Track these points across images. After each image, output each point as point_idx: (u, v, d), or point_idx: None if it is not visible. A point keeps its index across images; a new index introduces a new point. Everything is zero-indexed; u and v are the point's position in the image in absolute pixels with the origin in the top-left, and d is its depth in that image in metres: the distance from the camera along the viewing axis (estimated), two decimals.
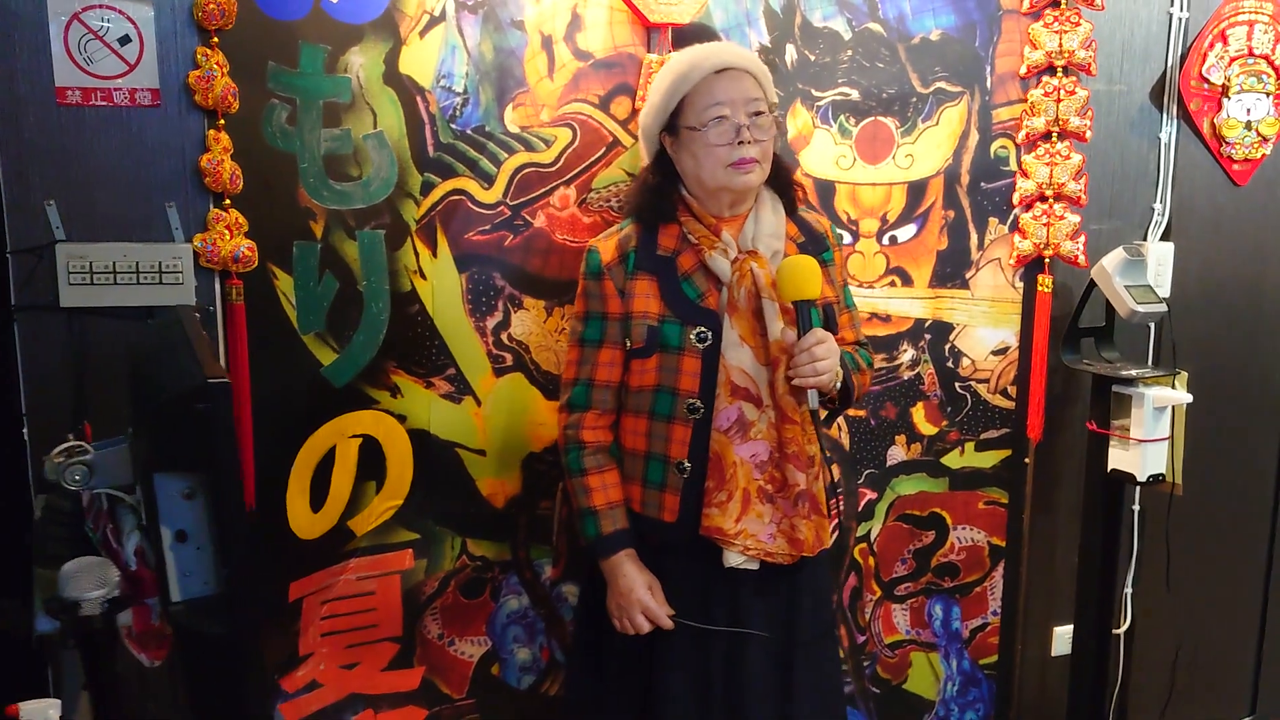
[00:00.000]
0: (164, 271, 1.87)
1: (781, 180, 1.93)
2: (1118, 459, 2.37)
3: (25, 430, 1.86)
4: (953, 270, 2.52)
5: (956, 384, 2.57)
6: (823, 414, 1.87)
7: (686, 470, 1.84)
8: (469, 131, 2.19)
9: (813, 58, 2.39)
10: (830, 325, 1.85)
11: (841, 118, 2.42)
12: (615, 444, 1.97)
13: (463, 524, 2.32)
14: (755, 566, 1.87)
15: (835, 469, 2.10)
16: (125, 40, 1.81)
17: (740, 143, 1.80)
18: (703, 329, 1.83)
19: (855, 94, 2.41)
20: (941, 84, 2.45)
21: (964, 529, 2.64)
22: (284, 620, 2.20)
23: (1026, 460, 2.60)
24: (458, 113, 2.18)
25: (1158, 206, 2.62)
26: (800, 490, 1.83)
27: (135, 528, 1.19)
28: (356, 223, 2.12)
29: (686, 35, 2.30)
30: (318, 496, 2.19)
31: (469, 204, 2.22)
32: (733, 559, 1.85)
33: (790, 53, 2.38)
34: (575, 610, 2.29)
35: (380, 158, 2.12)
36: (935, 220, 2.50)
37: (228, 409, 1.07)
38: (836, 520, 2.49)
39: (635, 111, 2.24)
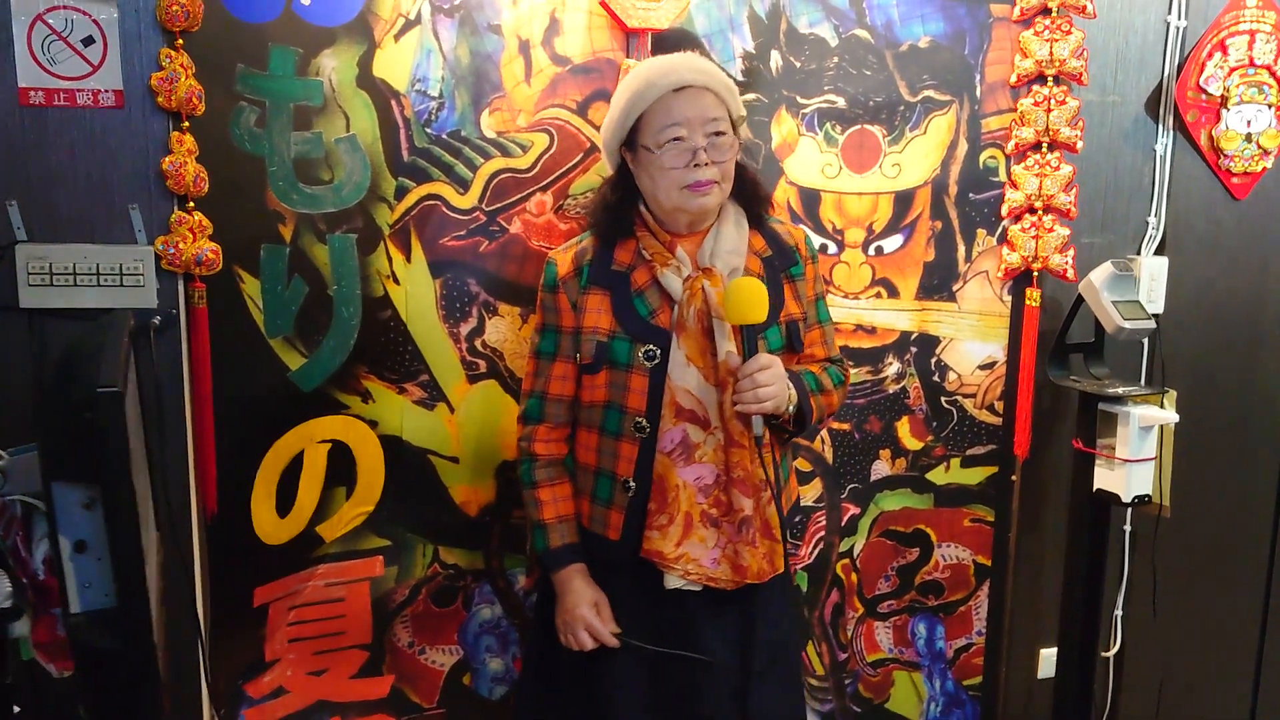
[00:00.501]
0: (125, 274, 1.86)
1: (746, 192, 1.87)
2: (1103, 479, 2.31)
3: None
4: (940, 282, 2.47)
5: (943, 398, 2.52)
6: (769, 436, 1.81)
7: (632, 489, 1.81)
8: (444, 136, 2.16)
9: (798, 64, 2.35)
10: (793, 344, 1.84)
11: (827, 125, 2.37)
12: (571, 457, 1.94)
13: (435, 532, 2.29)
14: (698, 589, 1.82)
15: (794, 491, 2.03)
16: (89, 41, 1.80)
17: (697, 165, 1.74)
18: (651, 347, 1.79)
19: (842, 101, 2.37)
20: (930, 92, 2.40)
21: (949, 546, 2.59)
22: (249, 625, 2.17)
23: (1013, 478, 2.54)
24: (433, 117, 2.15)
25: (1152, 220, 2.56)
26: (745, 516, 1.77)
27: (45, 536, 1.17)
28: (327, 226, 2.10)
29: (667, 41, 2.27)
30: (285, 502, 2.16)
31: (444, 209, 2.19)
32: (673, 582, 1.82)
33: (775, 59, 2.34)
34: (531, 619, 2.25)
35: (353, 161, 2.10)
36: (922, 231, 2.45)
37: (117, 418, 1.04)
38: (813, 542, 2.48)
39: None
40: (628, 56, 2.20)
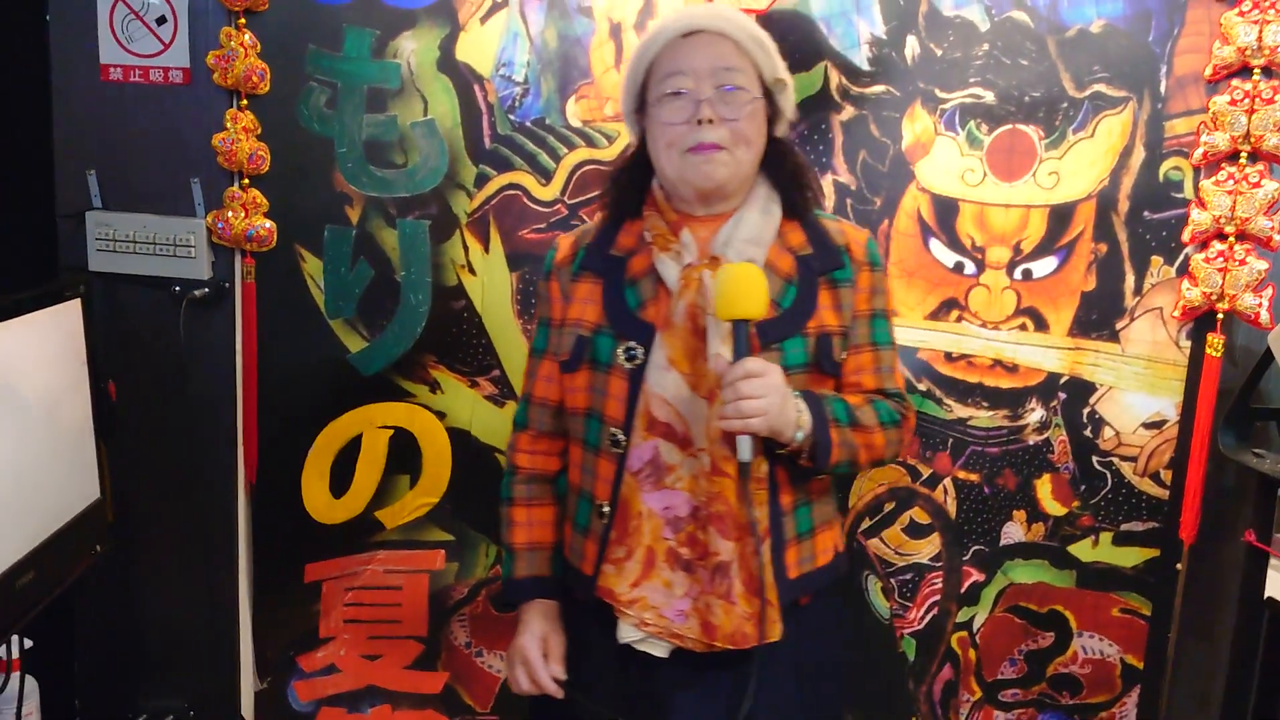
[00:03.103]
0: (178, 245, 1.92)
1: (784, 175, 1.55)
2: (1277, 585, 1.79)
3: None
4: (1100, 318, 2.04)
5: (1095, 458, 2.08)
6: (775, 470, 1.48)
7: (605, 515, 1.52)
8: (528, 124, 2.07)
9: (939, 52, 2.02)
10: (820, 363, 1.49)
11: (971, 124, 2.02)
12: (564, 475, 1.68)
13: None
14: (661, 653, 1.50)
15: (829, 544, 1.59)
16: (162, 20, 1.87)
17: (700, 121, 1.44)
18: (633, 345, 1.49)
19: (990, 96, 2.01)
20: (1101, 87, 1.97)
21: (1091, 637, 2.13)
22: (301, 599, 2.19)
23: (1178, 566, 2.04)
24: (517, 103, 2.06)
25: None
26: (721, 563, 1.44)
27: None
28: (398, 211, 2.06)
29: (773, 25, 2.03)
30: (341, 483, 2.16)
31: (525, 200, 2.09)
32: (626, 633, 1.50)
33: (911, 46, 2.03)
34: None
35: (429, 146, 2.05)
36: (1082, 254, 2.02)
37: None
38: (925, 606, 2.12)
39: None
40: None
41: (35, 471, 1.50)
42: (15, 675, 1.72)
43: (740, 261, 1.46)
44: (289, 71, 1.98)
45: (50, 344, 1.55)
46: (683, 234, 1.50)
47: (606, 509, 1.51)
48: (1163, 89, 1.95)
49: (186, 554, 2.09)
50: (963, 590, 2.18)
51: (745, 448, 1.39)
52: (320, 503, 2.15)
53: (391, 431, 2.16)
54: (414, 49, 2.01)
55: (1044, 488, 2.12)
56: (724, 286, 1.39)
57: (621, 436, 1.49)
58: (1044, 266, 2.06)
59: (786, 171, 1.56)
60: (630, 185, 1.58)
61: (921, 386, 2.13)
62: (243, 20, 1.89)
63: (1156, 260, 2.00)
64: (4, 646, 1.64)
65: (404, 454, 2.18)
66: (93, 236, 1.94)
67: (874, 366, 1.58)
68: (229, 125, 1.91)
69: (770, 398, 1.38)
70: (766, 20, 2.01)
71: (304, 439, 2.12)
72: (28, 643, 1.77)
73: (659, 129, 1.49)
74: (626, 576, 1.48)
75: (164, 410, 2.03)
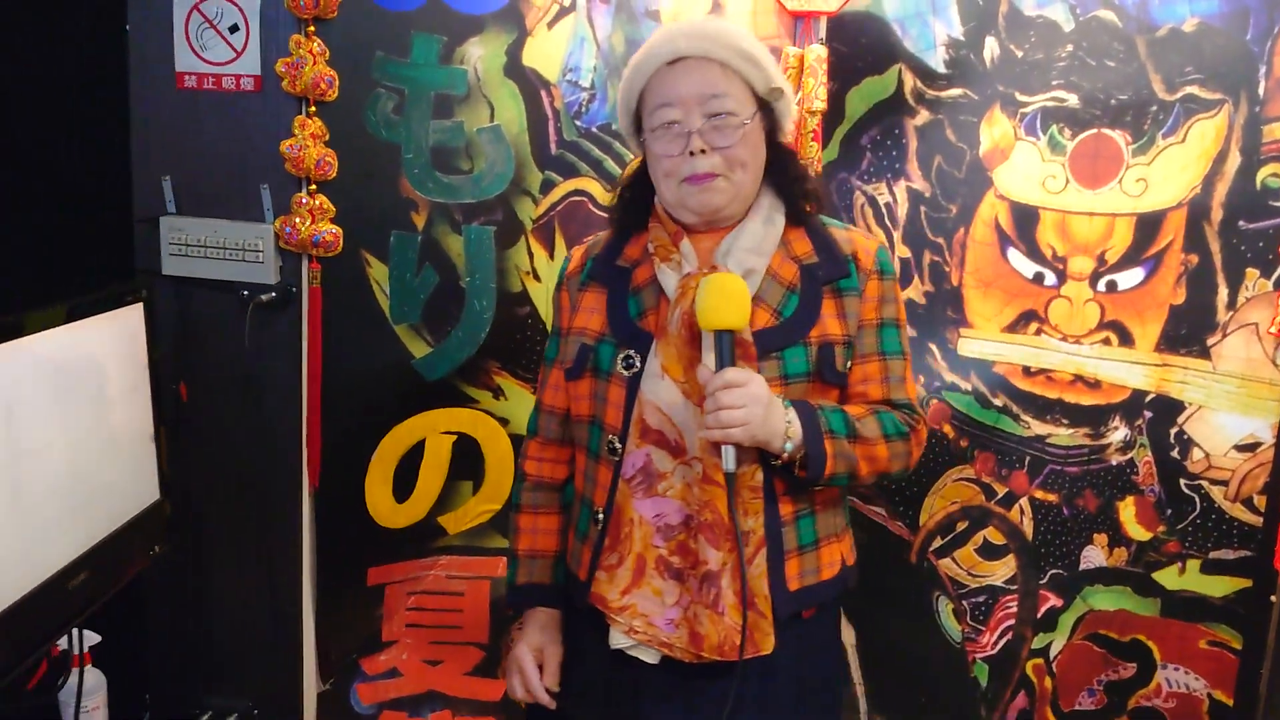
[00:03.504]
0: (246, 250, 1.95)
1: (787, 183, 1.52)
2: None
3: None
4: (1190, 333, 1.93)
5: (1182, 481, 1.97)
6: (772, 481, 1.44)
7: (600, 521, 1.52)
8: (594, 129, 2.05)
9: (1020, 54, 1.95)
10: (823, 372, 1.45)
11: (1053, 128, 1.94)
12: (571, 483, 1.67)
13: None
14: (652, 659, 1.48)
15: (838, 557, 1.55)
16: (234, 29, 1.90)
17: (692, 152, 1.43)
18: (631, 353, 1.48)
19: (1074, 99, 1.92)
20: (1194, 89, 1.87)
21: (1176, 670, 2.02)
22: (364, 602, 2.21)
23: (1273, 598, 1.92)
24: (583, 109, 2.04)
25: None
26: (709, 572, 1.42)
27: None
28: (463, 217, 2.06)
29: (846, 26, 1.98)
30: (404, 487, 2.17)
31: (590, 206, 2.07)
32: (617, 639, 1.49)
33: (990, 47, 1.95)
34: None
35: (495, 152, 2.04)
36: (1171, 265, 1.92)
37: None
38: (999, 630, 2.04)
39: None
40: (793, 44, 1.95)
41: (92, 474, 1.53)
42: (86, 669, 1.77)
43: (740, 270, 1.45)
44: (357, 78, 1.99)
45: (112, 348, 1.58)
46: (683, 244, 1.49)
47: (601, 515, 1.51)
48: (1261, 90, 1.83)
49: (252, 555, 2.12)
50: (1039, 615, 2.09)
51: (729, 457, 1.38)
52: (384, 507, 2.16)
53: (455, 437, 2.16)
54: (481, 55, 2.01)
55: (1127, 510, 2.02)
56: (704, 297, 1.38)
57: (618, 444, 1.48)
58: (1130, 278, 1.96)
59: (789, 180, 1.53)
60: (636, 199, 1.57)
61: (997, 401, 2.05)
62: (312, 28, 1.91)
63: (1252, 273, 1.88)
64: (66, 642, 1.68)
65: (467, 460, 2.18)
66: (166, 241, 1.99)
67: (881, 376, 1.53)
68: (297, 132, 1.93)
69: (751, 408, 1.36)
70: (838, 23, 1.96)
71: (368, 443, 2.12)
72: (97, 638, 1.81)
73: (654, 160, 1.48)
74: (618, 583, 1.47)
75: (232, 412, 2.06)
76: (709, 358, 1.40)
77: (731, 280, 1.38)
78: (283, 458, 2.07)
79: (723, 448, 1.37)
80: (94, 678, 1.78)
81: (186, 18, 1.91)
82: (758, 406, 1.35)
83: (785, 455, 1.40)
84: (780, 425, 1.38)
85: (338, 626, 2.21)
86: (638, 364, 1.47)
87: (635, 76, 1.48)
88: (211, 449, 2.08)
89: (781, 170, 1.51)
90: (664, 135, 1.44)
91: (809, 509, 1.48)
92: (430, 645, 2.25)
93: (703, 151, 1.42)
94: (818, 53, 1.91)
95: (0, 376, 1.35)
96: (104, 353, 1.54)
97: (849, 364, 1.50)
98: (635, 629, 1.45)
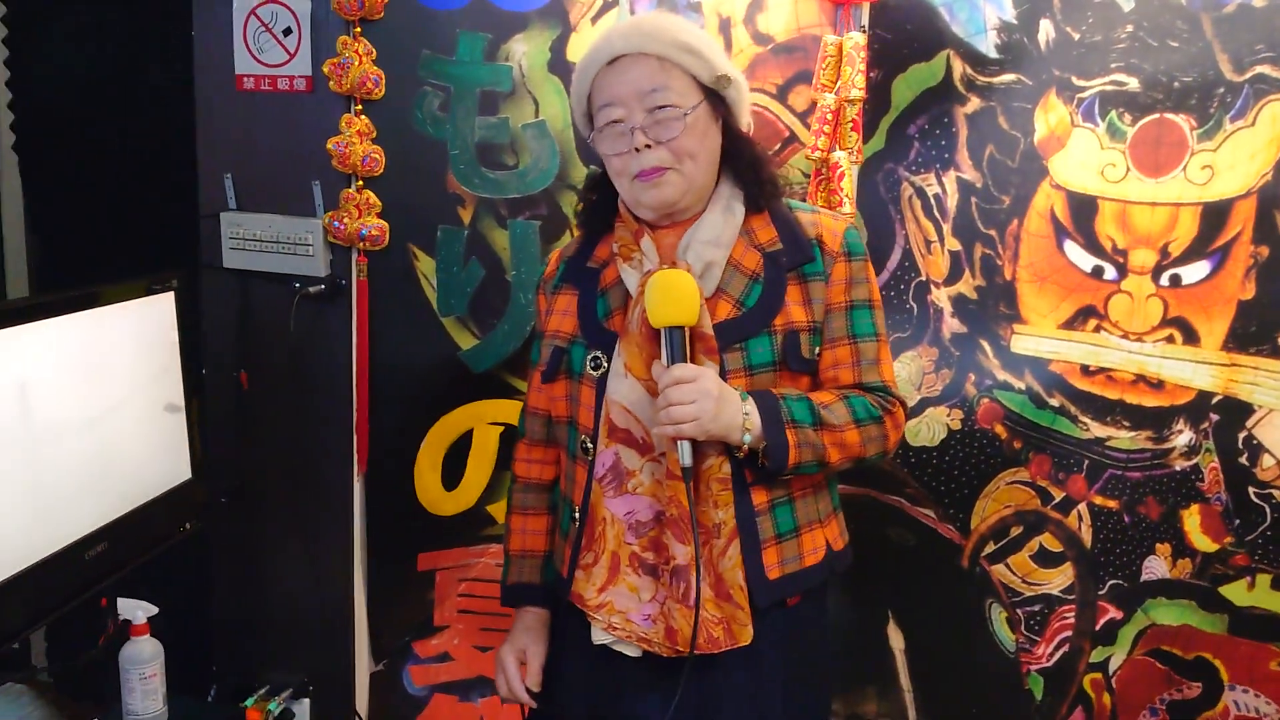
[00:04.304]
0: (297, 244, 2.03)
1: (743, 170, 1.49)
2: None
3: (204, 372, 2.17)
4: (1260, 330, 1.80)
5: (1252, 489, 1.83)
6: (719, 469, 1.41)
7: (577, 520, 1.53)
8: None
9: (1076, 36, 1.85)
10: (788, 361, 1.43)
11: (1112, 114, 1.84)
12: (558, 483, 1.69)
13: None
14: (634, 653, 1.48)
15: (823, 541, 1.51)
16: (288, 31, 1.98)
17: (637, 149, 1.41)
18: (598, 354, 1.49)
19: (1134, 82, 1.82)
20: (1265, 68, 1.74)
21: (1245, 692, 1.88)
22: (415, 587, 2.26)
23: None
24: None
25: None
26: (679, 566, 1.41)
27: None
28: (509, 211, 2.09)
29: (890, 12, 1.92)
30: (452, 476, 2.22)
31: None
32: (598, 636, 1.49)
33: (1045, 30, 1.86)
34: None
35: (540, 147, 2.07)
36: (1240, 258, 1.80)
37: None
38: (1055, 641, 1.95)
39: (813, 104, 1.93)
40: (834, 32, 1.90)
41: (114, 451, 1.62)
42: (144, 639, 1.89)
43: (700, 263, 1.44)
44: (404, 76, 2.04)
45: (143, 335, 1.68)
46: (643, 242, 1.49)
47: (578, 514, 1.52)
48: None
49: (307, 537, 2.21)
50: (1098, 627, 1.99)
51: (685, 452, 1.38)
52: (433, 494, 2.21)
53: (502, 429, 2.19)
54: (525, 51, 2.03)
55: (1192, 520, 1.90)
56: (650, 295, 1.39)
57: (589, 443, 1.50)
58: (1195, 272, 1.84)
59: (744, 166, 1.50)
60: (600, 201, 1.58)
61: (1054, 402, 1.95)
62: (358, 29, 1.98)
63: None
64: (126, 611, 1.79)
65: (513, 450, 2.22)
66: (226, 235, 2.09)
67: (852, 360, 1.49)
68: (343, 129, 2.00)
69: (701, 403, 1.35)
70: (881, 9, 1.91)
71: (416, 432, 2.18)
72: (154, 609, 1.92)
73: (606, 159, 1.49)
74: (594, 581, 1.48)
75: (288, 400, 2.15)
76: (664, 354, 1.40)
77: (677, 277, 1.39)
78: (335, 444, 2.14)
79: (678, 443, 1.37)
80: (151, 646, 1.88)
81: (245, 22, 2.00)
82: (708, 401, 1.35)
83: (746, 447, 1.39)
84: (736, 418, 1.37)
85: (389, 609, 2.28)
86: (604, 364, 1.48)
87: (580, 80, 1.50)
88: (270, 435, 2.18)
89: (737, 158, 1.49)
90: (609, 134, 1.45)
91: (786, 497, 1.47)
92: (480, 632, 2.29)
93: (648, 146, 1.41)
94: (855, 40, 1.86)
95: (18, 360, 1.45)
96: (135, 339, 1.64)
97: (817, 350, 1.48)
98: (614, 625, 1.46)
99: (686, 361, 1.39)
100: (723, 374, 1.41)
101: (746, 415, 1.38)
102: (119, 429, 1.58)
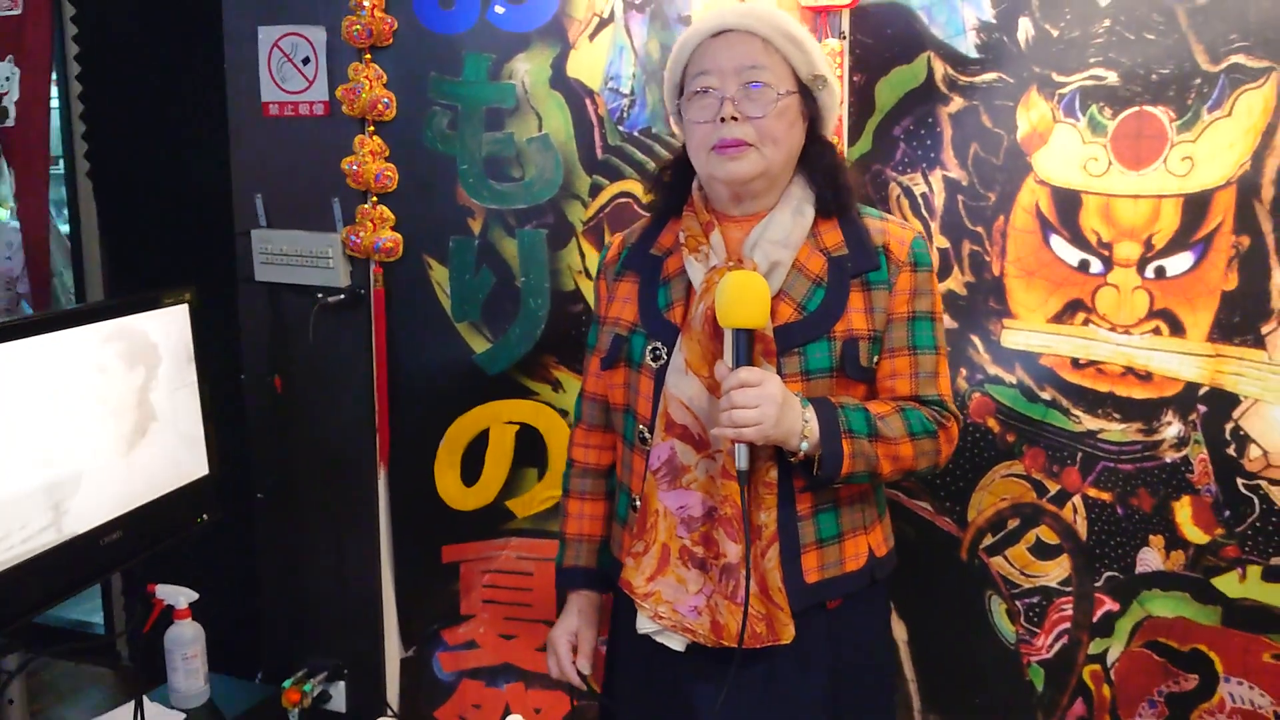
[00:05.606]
0: (317, 257, 2.18)
1: (820, 174, 1.51)
2: None
3: (242, 378, 2.35)
4: (1244, 321, 1.79)
5: (1240, 480, 1.82)
6: (767, 473, 1.45)
7: (637, 508, 1.56)
8: (636, 134, 2.14)
9: (1055, 33, 1.87)
10: (846, 368, 1.46)
11: (1093, 108, 1.85)
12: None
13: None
14: (678, 646, 1.52)
15: (865, 547, 1.55)
16: (306, 60, 2.13)
17: (722, 119, 1.44)
18: (658, 345, 1.52)
19: (1113, 76, 1.83)
20: (1239, 58, 1.74)
21: (1240, 685, 1.86)
22: (441, 578, 2.40)
23: None
24: (625, 115, 2.14)
25: None
26: (729, 564, 1.45)
27: None
28: (516, 221, 2.21)
29: (870, 18, 1.96)
30: (471, 473, 2.34)
31: (636, 207, 2.16)
32: (644, 624, 1.53)
33: (1024, 28, 1.89)
34: None
35: (544, 160, 2.17)
36: (1221, 249, 1.79)
37: None
38: (1054, 633, 1.95)
39: None
40: (818, 39, 1.96)
41: (131, 447, 1.77)
42: (186, 623, 2.06)
43: (766, 263, 1.47)
44: (414, 98, 2.18)
45: (164, 341, 1.84)
46: (712, 236, 1.51)
47: (638, 501, 1.56)
48: None
49: (339, 531, 2.37)
50: (1095, 619, 1.99)
51: (742, 456, 1.41)
52: (453, 490, 2.34)
53: (518, 427, 2.31)
54: (528, 69, 2.14)
55: (1183, 511, 1.89)
56: (723, 294, 1.41)
57: (647, 434, 1.53)
58: (1179, 263, 1.84)
59: (822, 170, 1.52)
60: (673, 185, 1.61)
61: (1045, 395, 1.97)
62: (369, 56, 2.12)
63: None
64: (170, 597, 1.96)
65: (534, 448, 2.33)
66: (256, 251, 2.27)
67: (911, 372, 1.52)
68: (356, 150, 2.15)
69: (765, 408, 1.37)
70: (861, 15, 1.96)
71: (435, 431, 2.31)
72: (194, 595, 2.08)
73: (688, 128, 1.52)
74: (644, 570, 1.53)
75: (317, 402, 2.32)
76: (728, 355, 1.43)
77: (751, 279, 1.40)
78: (360, 444, 2.30)
79: (736, 446, 1.41)
80: (192, 629, 2.05)
81: (269, 54, 2.17)
82: (771, 406, 1.37)
83: (801, 454, 1.42)
84: (796, 425, 1.40)
85: (417, 598, 2.42)
86: (664, 356, 1.51)
87: (681, 51, 1.53)
88: (301, 434, 2.35)
89: (816, 161, 1.52)
90: (698, 101, 1.48)
91: (831, 504, 1.50)
92: (505, 621, 2.41)
93: (734, 119, 1.43)
94: (832, 46, 1.91)
95: (49, 358, 1.61)
96: (156, 346, 1.81)
97: (876, 359, 1.50)
98: (660, 614, 1.51)
99: (751, 364, 1.40)
100: (778, 376, 1.44)
101: (806, 423, 1.41)
102: (137, 426, 1.75)
